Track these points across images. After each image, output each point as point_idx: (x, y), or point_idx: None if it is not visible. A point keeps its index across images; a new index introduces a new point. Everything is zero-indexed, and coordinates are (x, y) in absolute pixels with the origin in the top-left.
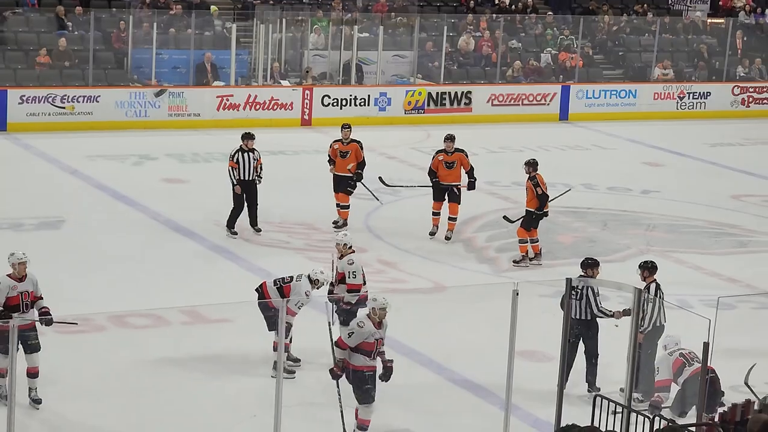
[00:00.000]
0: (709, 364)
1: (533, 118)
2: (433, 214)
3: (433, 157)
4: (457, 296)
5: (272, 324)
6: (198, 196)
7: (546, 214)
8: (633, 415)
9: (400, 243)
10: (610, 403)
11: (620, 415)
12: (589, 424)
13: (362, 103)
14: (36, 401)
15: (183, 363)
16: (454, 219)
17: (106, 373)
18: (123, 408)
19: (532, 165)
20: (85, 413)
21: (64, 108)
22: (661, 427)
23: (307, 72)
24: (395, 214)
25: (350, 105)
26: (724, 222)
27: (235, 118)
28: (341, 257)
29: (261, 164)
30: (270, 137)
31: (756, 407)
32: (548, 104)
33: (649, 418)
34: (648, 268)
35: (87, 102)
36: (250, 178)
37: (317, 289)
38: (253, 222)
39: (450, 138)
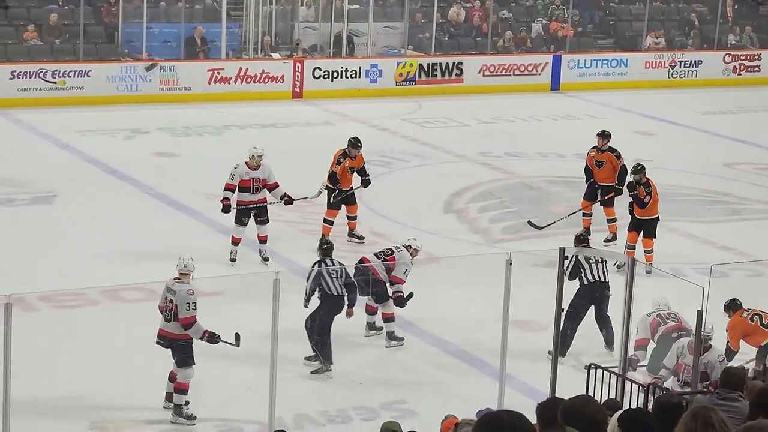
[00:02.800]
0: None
1: (525, 89)
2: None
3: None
4: (451, 267)
5: (381, 297)
6: (189, 170)
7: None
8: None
9: (392, 214)
10: (605, 372)
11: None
12: (584, 393)
13: (353, 75)
14: (190, 418)
15: None
16: (612, 220)
17: (101, 346)
18: (116, 380)
19: (640, 171)
20: (78, 385)
21: (55, 83)
22: (657, 396)
23: (298, 44)
24: (387, 186)
25: (341, 77)
26: (717, 190)
27: (227, 92)
28: (257, 168)
29: None
30: (261, 110)
31: (750, 375)
32: (539, 74)
33: (643, 387)
34: (576, 239)
35: (78, 77)
36: None
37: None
38: None
39: (604, 135)
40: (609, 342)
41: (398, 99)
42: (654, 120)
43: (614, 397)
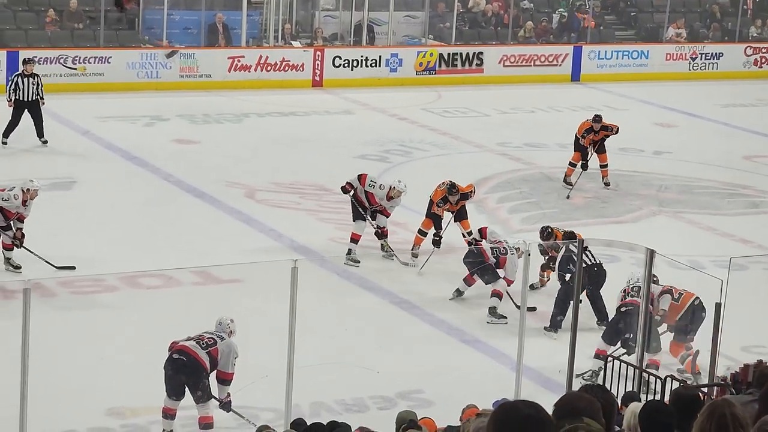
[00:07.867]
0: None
1: (545, 79)
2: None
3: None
4: None
5: (492, 274)
6: (209, 157)
7: None
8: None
9: (411, 204)
10: (622, 363)
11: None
12: (600, 384)
13: (373, 64)
14: None
15: (194, 324)
16: (605, 166)
17: (119, 332)
18: (133, 366)
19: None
20: (96, 371)
21: (75, 69)
22: (674, 388)
23: (318, 33)
24: (406, 176)
25: (361, 66)
26: (737, 183)
27: (247, 80)
28: (390, 198)
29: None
30: (281, 98)
31: None
32: (560, 65)
33: (660, 378)
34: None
35: (98, 63)
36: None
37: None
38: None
39: (597, 119)
40: (601, 318)
41: (418, 88)
42: (674, 112)
43: (632, 389)
